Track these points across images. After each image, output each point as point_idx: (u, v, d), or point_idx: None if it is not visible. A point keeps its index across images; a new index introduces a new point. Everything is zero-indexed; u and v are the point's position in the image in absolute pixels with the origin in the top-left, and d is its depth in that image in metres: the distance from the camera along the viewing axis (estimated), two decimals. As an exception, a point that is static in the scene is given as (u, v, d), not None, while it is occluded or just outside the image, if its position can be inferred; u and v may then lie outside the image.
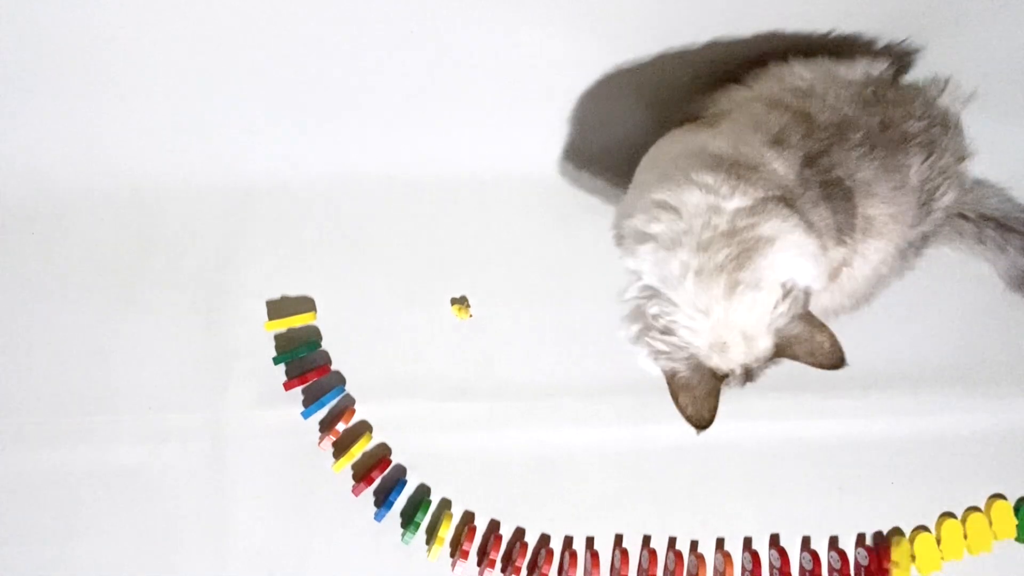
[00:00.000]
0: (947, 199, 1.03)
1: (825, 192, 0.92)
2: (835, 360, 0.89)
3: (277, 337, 1.22)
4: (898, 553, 1.18)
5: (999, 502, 1.20)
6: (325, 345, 1.22)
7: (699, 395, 0.89)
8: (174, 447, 1.19)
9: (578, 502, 1.20)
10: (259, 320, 1.22)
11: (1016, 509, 1.20)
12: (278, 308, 1.23)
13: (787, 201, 0.89)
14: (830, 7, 1.07)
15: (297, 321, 1.21)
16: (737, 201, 0.87)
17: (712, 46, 1.09)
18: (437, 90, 1.16)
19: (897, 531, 1.20)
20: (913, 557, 1.19)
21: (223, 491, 1.19)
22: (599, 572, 1.17)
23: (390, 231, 1.24)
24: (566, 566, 1.18)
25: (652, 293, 0.90)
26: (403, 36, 1.10)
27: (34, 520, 1.19)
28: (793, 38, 1.08)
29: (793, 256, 0.88)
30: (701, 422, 0.90)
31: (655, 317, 0.89)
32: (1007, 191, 1.18)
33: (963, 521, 1.20)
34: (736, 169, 0.89)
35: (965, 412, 1.20)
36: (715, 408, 0.90)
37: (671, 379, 0.90)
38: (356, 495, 1.18)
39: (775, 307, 0.87)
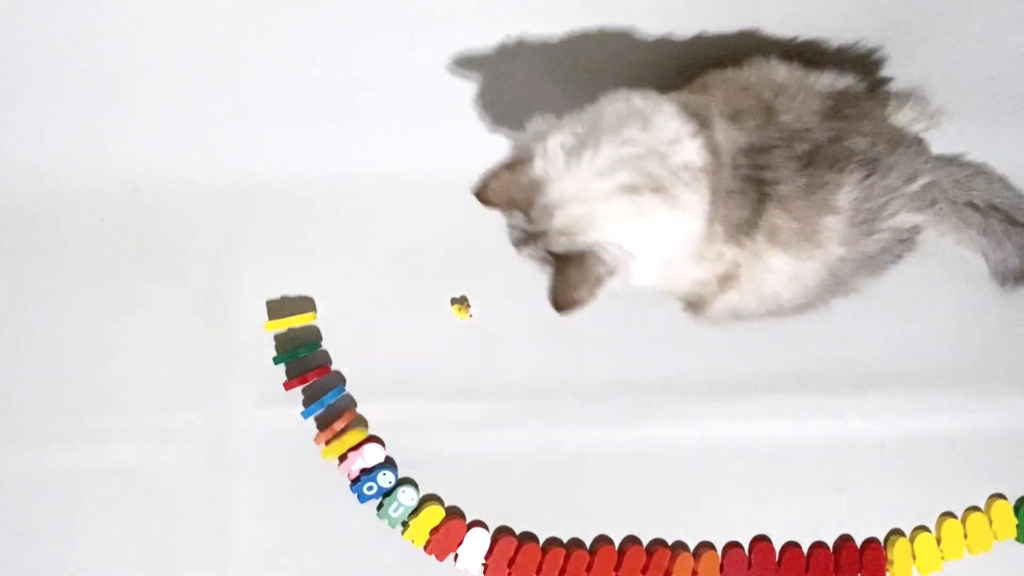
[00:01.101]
0: (902, 219, 1.01)
1: (742, 186, 0.93)
2: (558, 304, 0.94)
3: (277, 337, 1.22)
4: (897, 553, 1.18)
5: (999, 502, 1.20)
6: (325, 345, 1.22)
7: (513, 197, 0.92)
8: (174, 447, 1.19)
9: (578, 502, 1.20)
10: (259, 320, 1.22)
11: (1016, 509, 1.19)
12: (278, 308, 1.23)
13: (712, 178, 0.91)
14: (806, 14, 1.07)
15: (297, 321, 1.21)
16: (688, 149, 0.90)
17: (696, 41, 1.10)
18: (438, 90, 1.16)
19: (897, 531, 1.20)
20: (914, 557, 1.19)
21: (223, 491, 1.19)
22: (599, 572, 1.17)
23: (390, 231, 1.24)
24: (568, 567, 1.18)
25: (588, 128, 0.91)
26: (403, 36, 1.10)
27: (34, 520, 1.18)
28: (767, 43, 1.08)
29: (672, 234, 0.92)
30: (482, 198, 0.92)
31: (575, 135, 0.90)
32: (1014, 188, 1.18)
33: (963, 521, 1.20)
34: (688, 114, 0.92)
35: (965, 412, 1.20)
36: (500, 204, 0.93)
37: (515, 157, 0.92)
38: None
39: (614, 239, 0.89)
